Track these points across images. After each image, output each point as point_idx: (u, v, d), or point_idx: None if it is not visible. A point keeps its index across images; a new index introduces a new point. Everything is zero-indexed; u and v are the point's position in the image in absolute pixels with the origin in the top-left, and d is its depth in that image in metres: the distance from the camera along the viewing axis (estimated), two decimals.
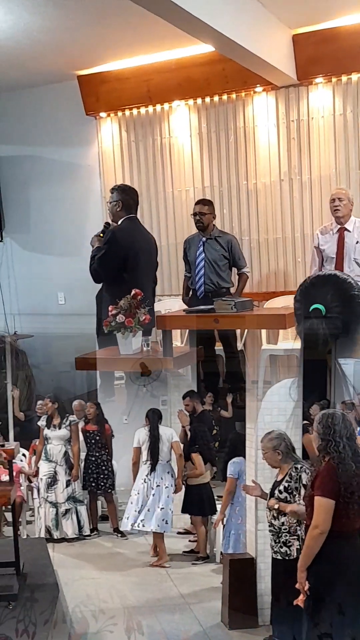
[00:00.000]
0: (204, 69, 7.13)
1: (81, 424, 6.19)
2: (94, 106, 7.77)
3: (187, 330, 6.63)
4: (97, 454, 5.98)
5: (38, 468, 5.97)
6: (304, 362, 5.69)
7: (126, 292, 5.79)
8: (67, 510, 5.81)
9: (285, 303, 6.74)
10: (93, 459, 5.99)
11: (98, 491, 5.99)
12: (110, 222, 6.24)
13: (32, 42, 6.57)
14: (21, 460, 5.94)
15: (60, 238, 8.12)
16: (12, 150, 8.30)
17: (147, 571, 5.28)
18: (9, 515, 5.76)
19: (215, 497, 5.58)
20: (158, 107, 7.59)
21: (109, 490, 5.96)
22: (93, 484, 5.93)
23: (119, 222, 6.10)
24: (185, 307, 6.74)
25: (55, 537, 5.76)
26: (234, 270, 6.74)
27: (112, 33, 6.52)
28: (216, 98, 7.34)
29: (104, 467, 5.96)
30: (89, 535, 5.92)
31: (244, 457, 4.87)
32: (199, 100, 7.42)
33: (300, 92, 7.01)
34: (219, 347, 6.80)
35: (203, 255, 6.55)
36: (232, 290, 6.66)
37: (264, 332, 6.89)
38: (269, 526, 4.09)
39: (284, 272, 7.26)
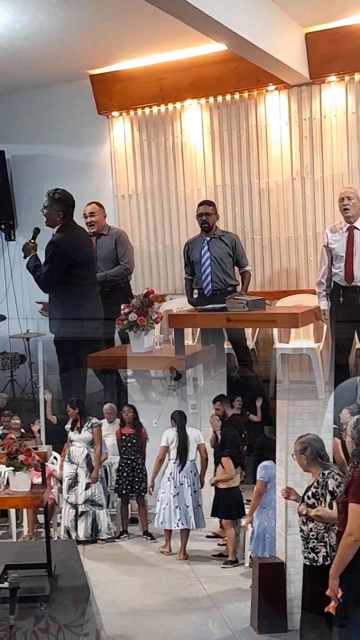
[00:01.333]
0: (216, 68, 7.13)
1: (116, 427, 6.25)
2: (106, 105, 7.79)
3: (199, 329, 6.64)
4: (132, 457, 6.00)
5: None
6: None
7: (74, 292, 5.98)
8: (83, 512, 5.84)
9: (297, 302, 6.75)
10: (129, 462, 6.00)
11: (132, 494, 6.00)
12: (39, 228, 6.28)
13: (46, 41, 6.60)
14: (52, 464, 5.98)
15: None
16: (25, 149, 8.33)
17: (176, 574, 5.29)
18: (40, 517, 5.83)
19: (244, 501, 5.58)
20: (170, 106, 7.61)
21: (142, 494, 5.97)
22: (128, 487, 5.95)
23: (56, 229, 6.09)
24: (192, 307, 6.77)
25: (73, 538, 5.80)
26: (236, 269, 6.75)
27: (124, 32, 6.53)
28: (228, 97, 7.34)
29: (139, 471, 5.98)
30: (118, 538, 5.96)
31: (274, 461, 4.86)
32: (211, 99, 7.42)
33: (312, 90, 7.00)
34: (228, 346, 6.79)
35: (208, 254, 6.58)
36: (238, 288, 6.67)
37: (275, 331, 6.89)
38: (300, 531, 4.07)
39: (295, 270, 7.25)
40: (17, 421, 6.35)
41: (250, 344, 6.91)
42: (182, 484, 5.65)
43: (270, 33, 6.02)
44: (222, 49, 6.56)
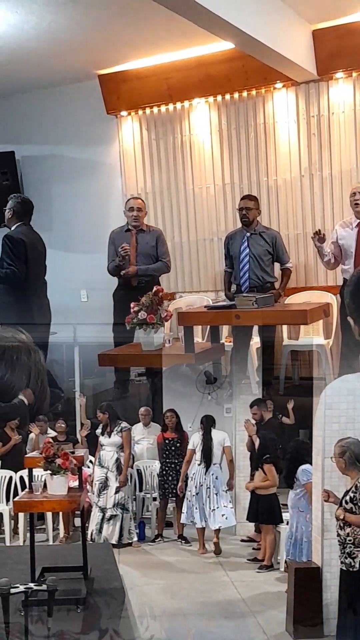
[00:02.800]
0: (224, 66, 7.14)
1: (152, 431, 6.28)
2: (114, 105, 7.83)
3: (209, 327, 6.67)
4: (175, 461, 6.00)
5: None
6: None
7: (25, 287, 6.31)
8: (112, 516, 5.87)
9: (306, 298, 6.75)
10: (172, 465, 6.00)
11: (174, 498, 6.00)
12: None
13: (54, 42, 6.64)
14: (88, 467, 6.01)
15: (82, 236, 8.19)
16: (34, 149, 8.38)
17: (211, 578, 5.28)
18: (76, 521, 5.87)
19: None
20: (178, 104, 7.63)
21: (183, 498, 5.95)
22: (174, 491, 5.96)
23: (12, 229, 6.51)
24: (207, 302, 6.78)
25: (96, 542, 5.82)
26: (277, 265, 6.73)
27: (132, 32, 6.56)
28: (236, 95, 7.35)
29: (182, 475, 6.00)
30: (153, 541, 5.98)
31: (310, 464, 4.82)
32: (219, 98, 7.43)
33: (320, 87, 6.99)
34: (228, 343, 6.77)
35: (247, 250, 6.56)
36: (277, 285, 6.66)
37: (285, 327, 6.90)
38: (337, 536, 4.05)
39: (304, 267, 7.25)
40: (63, 425, 6.38)
41: (259, 341, 6.90)
42: (202, 485, 5.73)
43: (278, 30, 6.03)
44: (229, 47, 6.57)
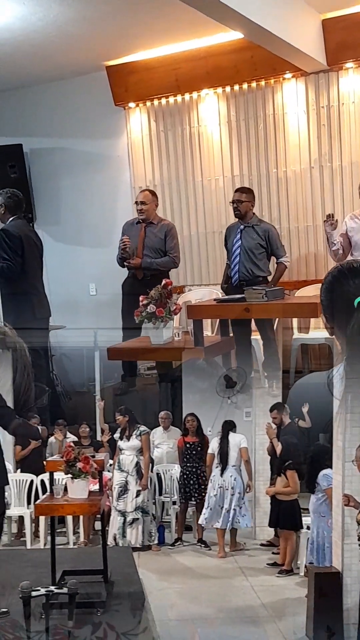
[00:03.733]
0: (232, 57, 7.08)
1: (172, 435, 6.27)
2: (122, 96, 7.78)
3: (218, 320, 6.63)
4: (196, 465, 6.00)
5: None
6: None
7: (21, 281, 6.32)
8: (134, 520, 5.86)
9: (316, 291, 6.67)
10: (193, 470, 6.00)
11: (194, 501, 6.01)
12: None
13: (61, 33, 6.60)
14: (108, 471, 5.99)
15: (90, 229, 8.17)
16: (42, 142, 8.35)
17: (231, 582, 5.26)
18: (96, 524, 5.88)
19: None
20: (187, 96, 7.57)
21: (204, 501, 5.97)
22: (196, 495, 5.97)
23: (7, 223, 6.51)
24: (217, 295, 6.74)
25: (120, 545, 5.83)
26: (273, 259, 6.67)
27: (139, 23, 6.51)
28: (245, 86, 7.29)
29: (203, 478, 5.99)
30: (173, 545, 5.98)
31: (331, 468, 4.77)
32: (228, 88, 7.37)
33: (330, 77, 6.92)
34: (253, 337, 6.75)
35: (240, 242, 6.50)
36: (269, 279, 6.61)
37: (295, 320, 6.86)
38: (358, 540, 4.02)
39: (315, 260, 7.20)
40: (87, 429, 6.39)
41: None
42: (221, 487, 5.77)
43: (287, 20, 5.97)
44: (238, 37, 6.51)
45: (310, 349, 6.98)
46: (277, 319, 6.87)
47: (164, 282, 5.91)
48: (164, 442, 6.41)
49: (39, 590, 3.79)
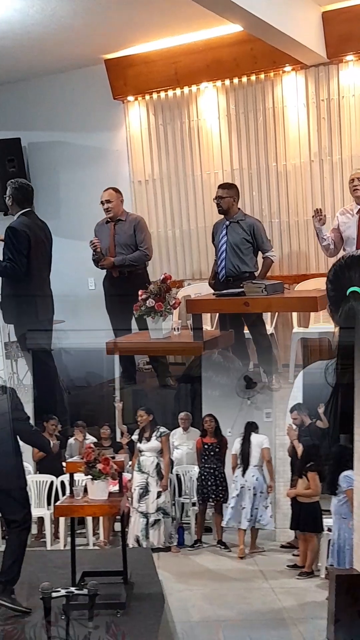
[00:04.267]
0: (232, 50, 7.04)
1: (191, 436, 6.24)
2: (121, 90, 7.74)
3: (218, 314, 6.62)
4: (214, 466, 5.99)
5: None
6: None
7: (27, 280, 6.17)
8: (156, 521, 5.87)
9: (316, 285, 6.68)
10: (211, 470, 5.98)
11: (212, 502, 5.99)
12: None
13: (59, 26, 6.55)
14: (127, 472, 5.98)
15: (89, 223, 8.10)
16: (41, 136, 8.32)
17: (251, 584, 5.24)
18: (116, 525, 5.89)
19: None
20: (186, 89, 7.53)
21: (222, 502, 5.97)
22: (213, 496, 5.96)
23: (16, 216, 6.30)
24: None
25: (144, 547, 5.83)
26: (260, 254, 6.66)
27: (138, 15, 6.47)
28: (245, 79, 7.25)
29: (220, 479, 5.99)
30: (192, 547, 5.97)
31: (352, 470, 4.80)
32: (227, 82, 7.34)
33: (330, 70, 6.89)
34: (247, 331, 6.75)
35: (225, 238, 6.49)
36: (256, 274, 6.59)
37: (294, 315, 6.84)
38: None
39: (315, 254, 7.18)
40: (107, 430, 6.37)
41: (270, 328, 6.86)
42: (242, 487, 5.79)
43: (286, 12, 5.92)
44: (237, 30, 6.47)
45: (310, 342, 6.96)
46: (275, 313, 6.87)
47: (162, 276, 5.89)
48: (184, 443, 6.40)
49: (59, 591, 3.81)
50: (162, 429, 6.01)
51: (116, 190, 6.91)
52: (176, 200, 7.75)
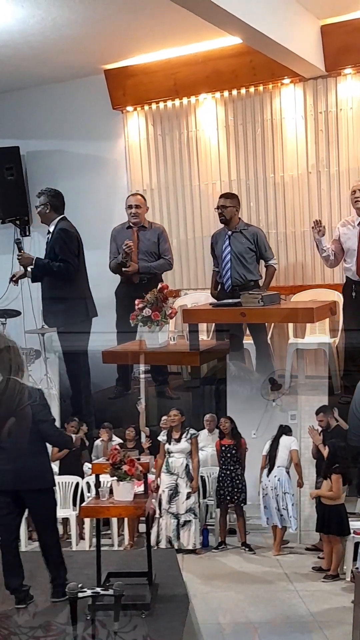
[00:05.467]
0: (231, 62, 7.09)
1: (215, 438, 6.24)
2: (120, 100, 7.78)
3: (214, 324, 6.63)
4: (232, 468, 5.98)
5: (158, 482, 6.02)
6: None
7: (77, 280, 6.39)
8: (186, 522, 5.86)
9: (312, 296, 6.71)
10: (228, 472, 5.98)
11: (231, 505, 5.99)
12: (20, 238, 6.68)
13: (59, 36, 6.59)
14: (152, 473, 5.95)
15: (86, 232, 8.10)
16: (40, 144, 8.34)
17: (275, 587, 5.20)
18: (141, 526, 5.88)
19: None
20: (185, 100, 7.57)
21: (241, 505, 5.96)
22: (228, 498, 5.95)
23: (56, 222, 6.50)
24: (212, 300, 6.74)
25: (176, 547, 5.82)
26: (262, 263, 6.69)
27: (138, 26, 6.51)
28: (243, 90, 7.30)
29: (237, 481, 5.97)
30: (217, 549, 5.96)
31: None
32: (226, 93, 7.38)
33: (328, 83, 6.94)
34: (247, 341, 6.76)
35: (229, 248, 6.52)
36: (260, 283, 6.62)
37: (290, 325, 6.86)
38: None
39: (311, 265, 7.20)
40: (133, 432, 6.35)
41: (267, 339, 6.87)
42: (266, 487, 5.82)
43: (286, 25, 5.97)
44: (237, 42, 6.52)
45: (306, 353, 6.97)
46: (272, 324, 6.88)
47: (159, 285, 5.90)
48: (209, 445, 6.40)
49: (85, 591, 3.82)
50: (192, 431, 6.02)
51: (144, 197, 7.04)
52: (174, 210, 7.78)
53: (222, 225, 6.64)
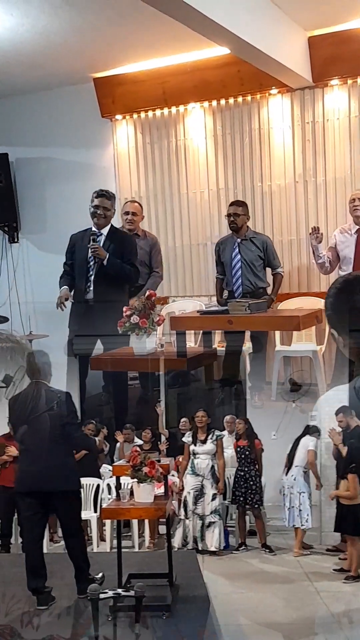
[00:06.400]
0: (219, 71, 7.15)
1: (232, 440, 6.26)
2: (109, 108, 7.82)
3: (201, 332, 6.65)
4: (246, 469, 6.01)
5: (182, 483, 6.04)
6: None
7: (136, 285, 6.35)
8: (211, 523, 5.88)
9: (299, 304, 6.75)
10: (242, 473, 6.01)
11: (246, 506, 6.01)
12: (97, 232, 6.40)
13: (49, 44, 6.63)
14: (172, 475, 5.96)
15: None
16: (28, 151, 8.36)
17: (296, 588, 5.21)
18: (161, 528, 5.86)
19: None
20: (173, 109, 7.63)
21: (256, 506, 5.97)
22: (241, 499, 5.97)
23: (110, 225, 6.36)
24: (200, 307, 6.77)
25: (200, 548, 5.84)
26: (268, 270, 6.73)
27: (128, 35, 6.56)
28: (231, 100, 7.36)
29: (252, 483, 5.98)
30: (237, 550, 5.96)
31: None
32: (214, 103, 7.44)
33: (315, 94, 7.01)
34: (220, 348, 6.76)
35: (239, 256, 6.55)
36: (268, 290, 6.66)
37: (277, 333, 6.90)
38: None
39: (298, 274, 7.26)
40: (149, 434, 6.35)
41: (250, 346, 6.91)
42: (283, 486, 5.88)
43: (273, 37, 6.04)
44: (225, 52, 6.57)
45: (293, 361, 7.02)
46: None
47: (147, 292, 5.93)
48: (229, 446, 6.41)
49: (106, 592, 3.85)
50: (218, 432, 6.05)
51: (141, 205, 7.02)
52: (162, 217, 7.81)
53: (209, 232, 6.66)
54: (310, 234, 6.34)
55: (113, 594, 3.90)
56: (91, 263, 6.31)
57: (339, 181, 6.99)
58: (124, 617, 3.89)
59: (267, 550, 5.88)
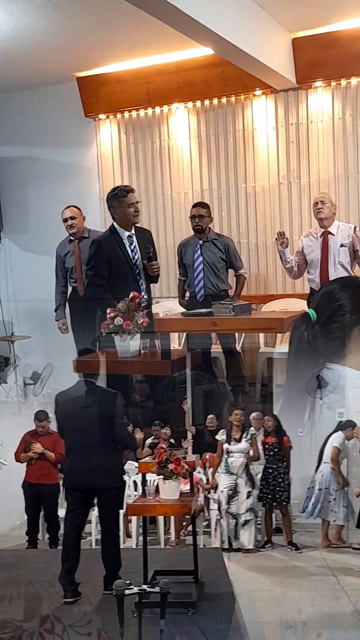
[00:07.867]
0: (203, 72, 7.14)
1: (261, 437, 6.24)
2: (93, 108, 7.78)
3: (185, 333, 6.63)
4: (274, 466, 6.00)
5: (216, 481, 6.03)
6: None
7: None
8: (246, 521, 5.87)
9: (283, 306, 6.76)
10: (271, 470, 6.01)
11: (274, 503, 5.99)
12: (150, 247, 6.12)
13: (32, 43, 6.57)
14: (199, 472, 5.97)
15: (59, 239, 8.08)
16: (11, 151, 8.29)
17: (322, 586, 5.20)
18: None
19: None
20: (157, 109, 7.60)
21: (284, 503, 5.96)
22: (269, 496, 5.95)
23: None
24: (182, 309, 6.74)
25: (234, 547, 5.82)
26: (231, 272, 6.73)
27: (112, 35, 6.52)
28: (215, 101, 7.35)
29: (280, 480, 5.98)
30: (263, 547, 5.95)
31: None
32: (199, 103, 7.43)
33: (299, 95, 7.02)
34: (216, 350, 6.78)
35: (201, 258, 6.54)
36: (231, 292, 6.65)
37: (261, 335, 6.90)
38: None
39: (282, 275, 7.26)
40: (168, 431, 6.35)
41: (237, 346, 6.90)
42: (313, 481, 5.91)
43: (257, 38, 6.04)
44: (209, 53, 6.56)
45: (277, 362, 7.02)
46: (242, 333, 6.91)
47: (131, 294, 5.89)
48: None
49: (132, 588, 3.85)
50: (252, 430, 6.04)
51: (77, 208, 6.87)
52: (145, 218, 7.77)
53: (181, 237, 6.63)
54: (275, 239, 6.34)
55: (138, 590, 3.89)
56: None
57: (323, 183, 7.01)
58: (149, 613, 3.90)
59: (293, 548, 5.89)
